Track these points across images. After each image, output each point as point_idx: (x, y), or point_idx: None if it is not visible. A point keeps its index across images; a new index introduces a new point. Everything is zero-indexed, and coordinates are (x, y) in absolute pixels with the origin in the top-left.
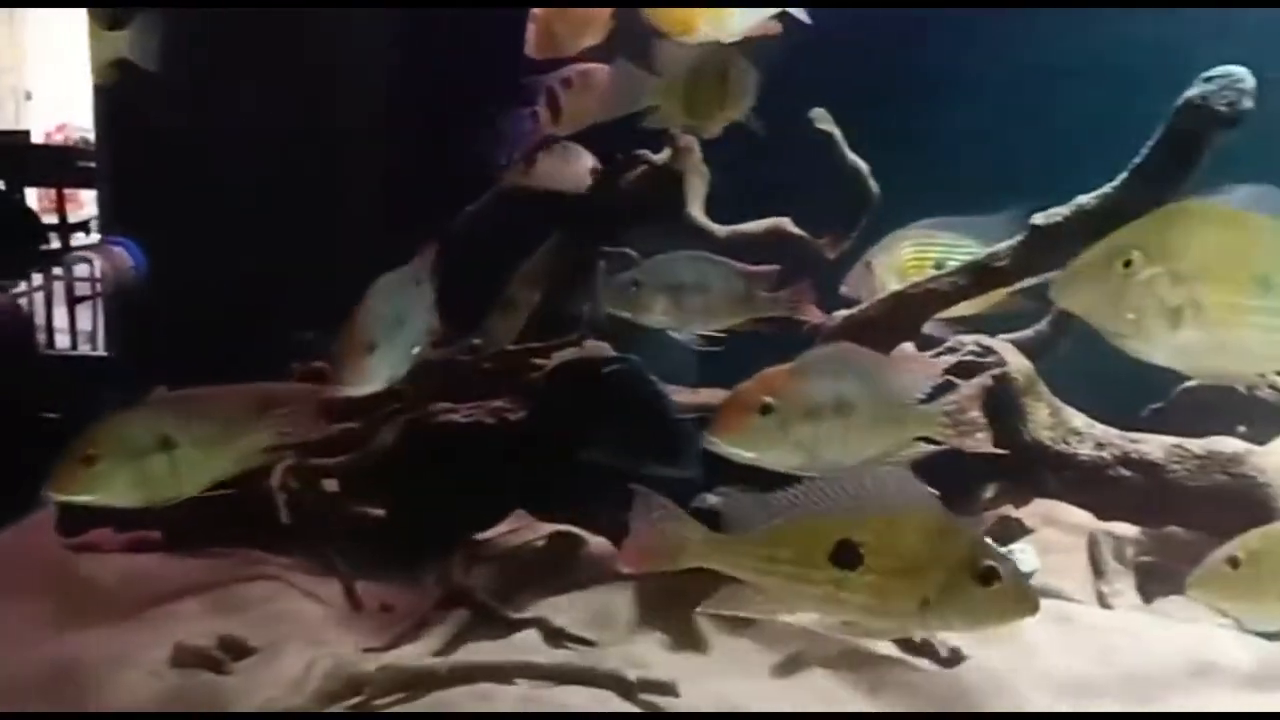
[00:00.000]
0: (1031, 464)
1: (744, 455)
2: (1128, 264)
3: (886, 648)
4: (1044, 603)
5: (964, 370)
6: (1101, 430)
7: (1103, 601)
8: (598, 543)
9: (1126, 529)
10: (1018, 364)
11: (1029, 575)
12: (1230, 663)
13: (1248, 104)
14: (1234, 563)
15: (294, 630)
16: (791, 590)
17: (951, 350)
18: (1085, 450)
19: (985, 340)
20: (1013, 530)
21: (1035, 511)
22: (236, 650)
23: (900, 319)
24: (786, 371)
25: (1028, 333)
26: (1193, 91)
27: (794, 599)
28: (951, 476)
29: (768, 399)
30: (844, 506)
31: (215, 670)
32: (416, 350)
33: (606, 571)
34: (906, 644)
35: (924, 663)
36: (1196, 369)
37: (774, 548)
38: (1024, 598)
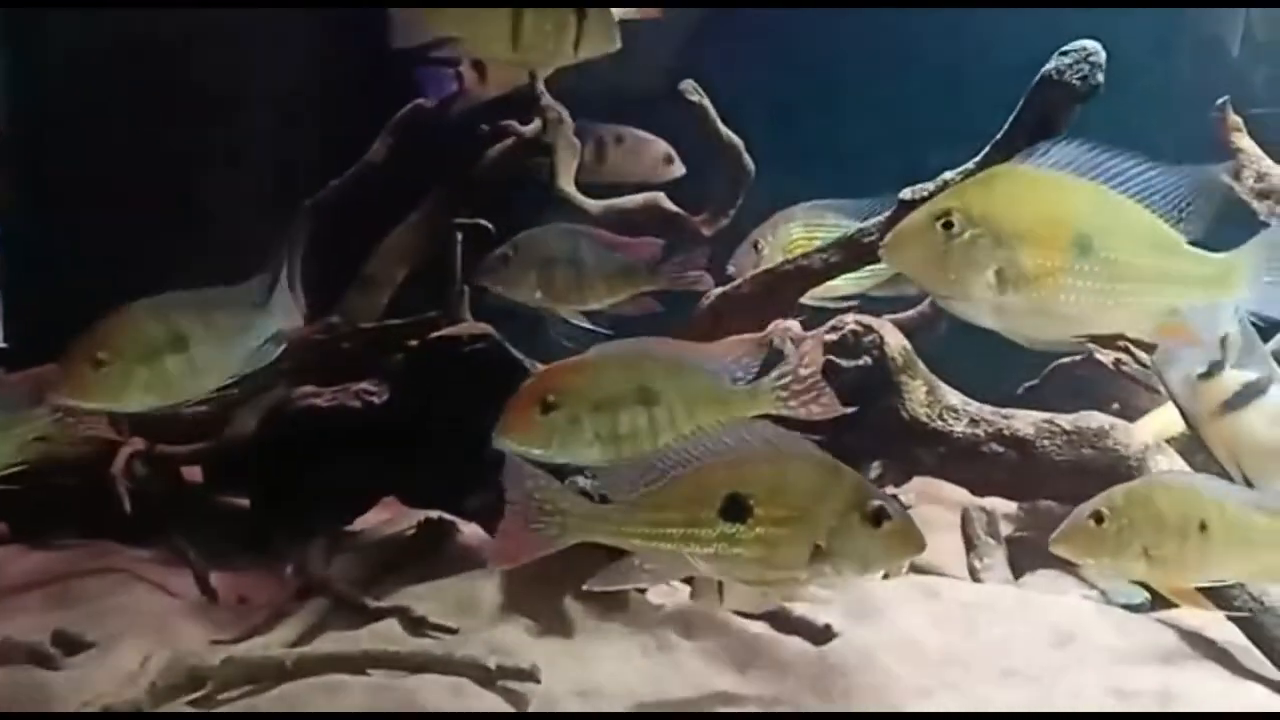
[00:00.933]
0: (908, 441)
1: (534, 453)
2: (949, 225)
3: (758, 627)
4: (915, 579)
5: (844, 348)
6: (976, 408)
7: (974, 576)
8: (470, 529)
9: (1003, 504)
10: (895, 342)
11: None
12: (1092, 634)
13: (1099, 77)
14: (1098, 518)
15: (136, 623)
16: (682, 553)
17: (835, 329)
18: (960, 427)
19: (866, 319)
20: None
21: (918, 489)
22: (70, 645)
23: (773, 295)
24: (572, 366)
25: (910, 313)
26: (1049, 66)
27: (684, 562)
28: (834, 455)
29: (550, 396)
30: (728, 461)
31: (46, 666)
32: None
33: (476, 558)
34: (779, 622)
35: (795, 641)
36: (1017, 331)
37: (660, 511)
38: (912, 536)
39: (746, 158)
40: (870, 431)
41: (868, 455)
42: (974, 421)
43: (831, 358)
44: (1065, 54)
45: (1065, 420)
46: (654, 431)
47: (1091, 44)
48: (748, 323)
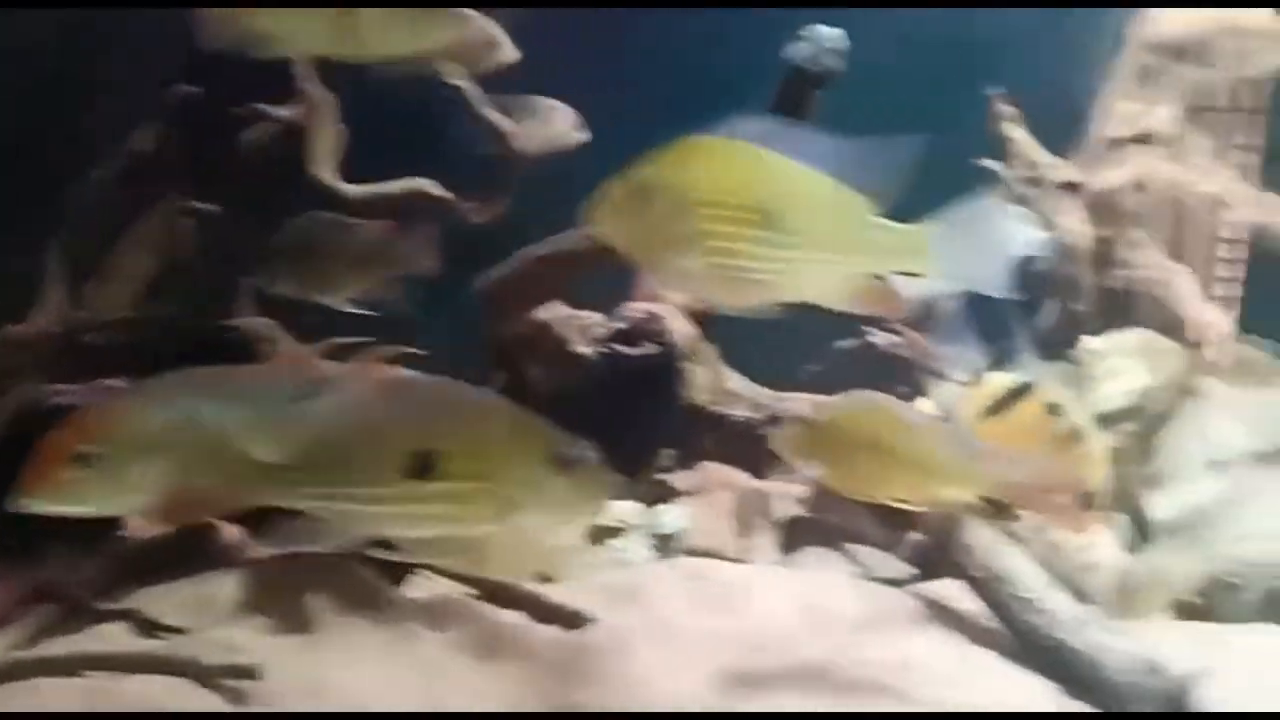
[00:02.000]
0: (691, 427)
1: (69, 511)
2: (645, 195)
3: (511, 616)
4: (678, 561)
5: (630, 336)
6: (755, 391)
7: (742, 557)
8: (229, 530)
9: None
10: (682, 329)
11: (674, 536)
12: (844, 609)
13: (832, 63)
14: (812, 424)
15: None
16: (365, 513)
17: (622, 317)
18: (739, 411)
19: (652, 306)
20: (660, 492)
21: (706, 475)
22: None
23: (543, 281)
24: (104, 411)
25: None
26: (787, 51)
27: (368, 521)
28: (623, 442)
29: (83, 448)
30: (409, 417)
31: None
32: None
33: (237, 558)
34: (535, 610)
35: (549, 629)
36: (713, 299)
37: (341, 470)
38: (602, 482)
39: (520, 144)
40: (654, 418)
41: (652, 442)
42: (754, 405)
43: (616, 346)
44: (801, 39)
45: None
46: (201, 468)
47: (828, 30)
48: (518, 308)
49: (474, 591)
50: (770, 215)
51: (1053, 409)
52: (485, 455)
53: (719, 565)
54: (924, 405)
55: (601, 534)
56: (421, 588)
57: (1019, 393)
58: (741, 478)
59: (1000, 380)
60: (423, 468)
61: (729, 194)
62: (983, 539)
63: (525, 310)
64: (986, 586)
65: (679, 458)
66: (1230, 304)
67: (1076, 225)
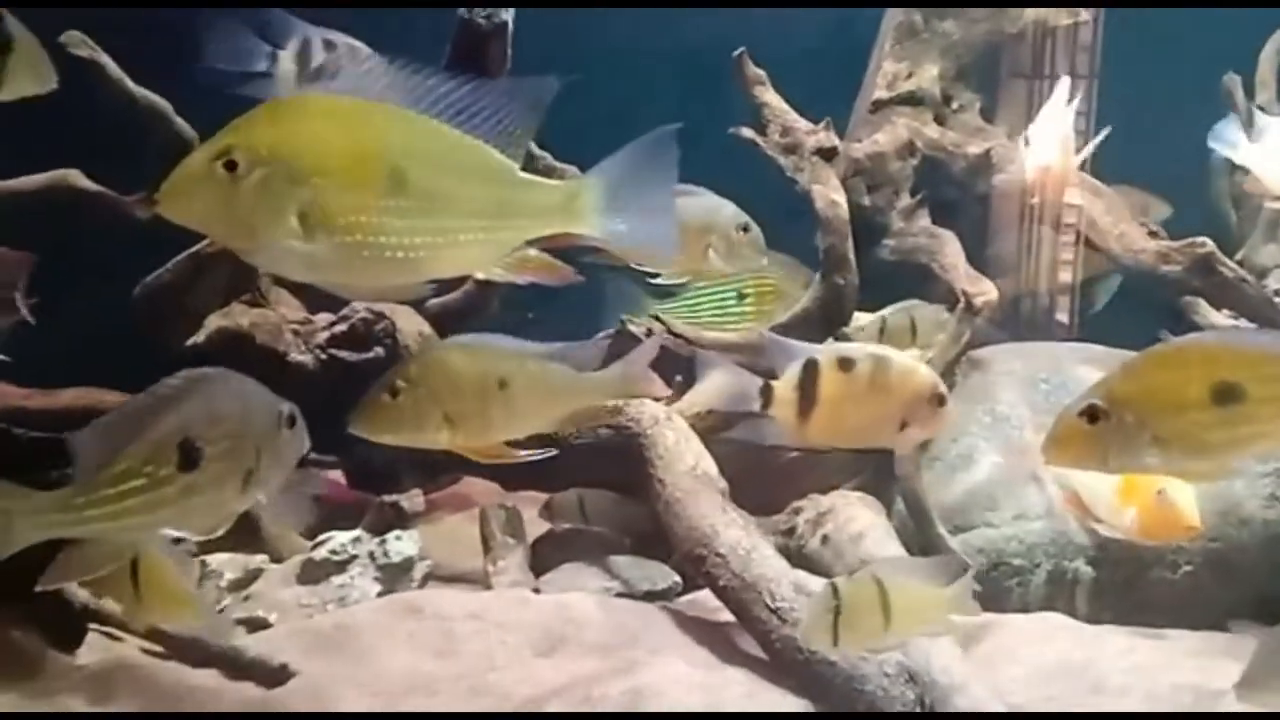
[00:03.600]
0: None
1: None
2: (232, 166)
3: (204, 675)
4: (402, 597)
5: (354, 339)
6: None
7: (486, 581)
8: None
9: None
10: (411, 329)
11: (406, 565)
12: (584, 635)
13: (503, 16)
14: (393, 391)
15: None
16: (145, 521)
17: (344, 319)
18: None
19: (378, 307)
20: (389, 518)
21: (461, 491)
22: None
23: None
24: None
25: (456, 295)
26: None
27: (147, 526)
28: (350, 459)
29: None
30: (173, 409)
31: None
32: None
33: None
34: (231, 667)
35: (245, 687)
36: (337, 283)
37: (122, 482)
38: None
39: (180, 123)
40: None
41: (385, 458)
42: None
43: (335, 352)
44: None
45: None
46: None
47: None
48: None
49: (159, 649)
50: (399, 180)
51: None
52: (232, 432)
53: (451, 597)
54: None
55: (320, 570)
56: (99, 650)
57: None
58: (492, 492)
59: None
60: (191, 457)
61: (344, 157)
62: (739, 545)
63: (193, 315)
64: (737, 597)
65: (417, 475)
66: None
67: (833, 194)
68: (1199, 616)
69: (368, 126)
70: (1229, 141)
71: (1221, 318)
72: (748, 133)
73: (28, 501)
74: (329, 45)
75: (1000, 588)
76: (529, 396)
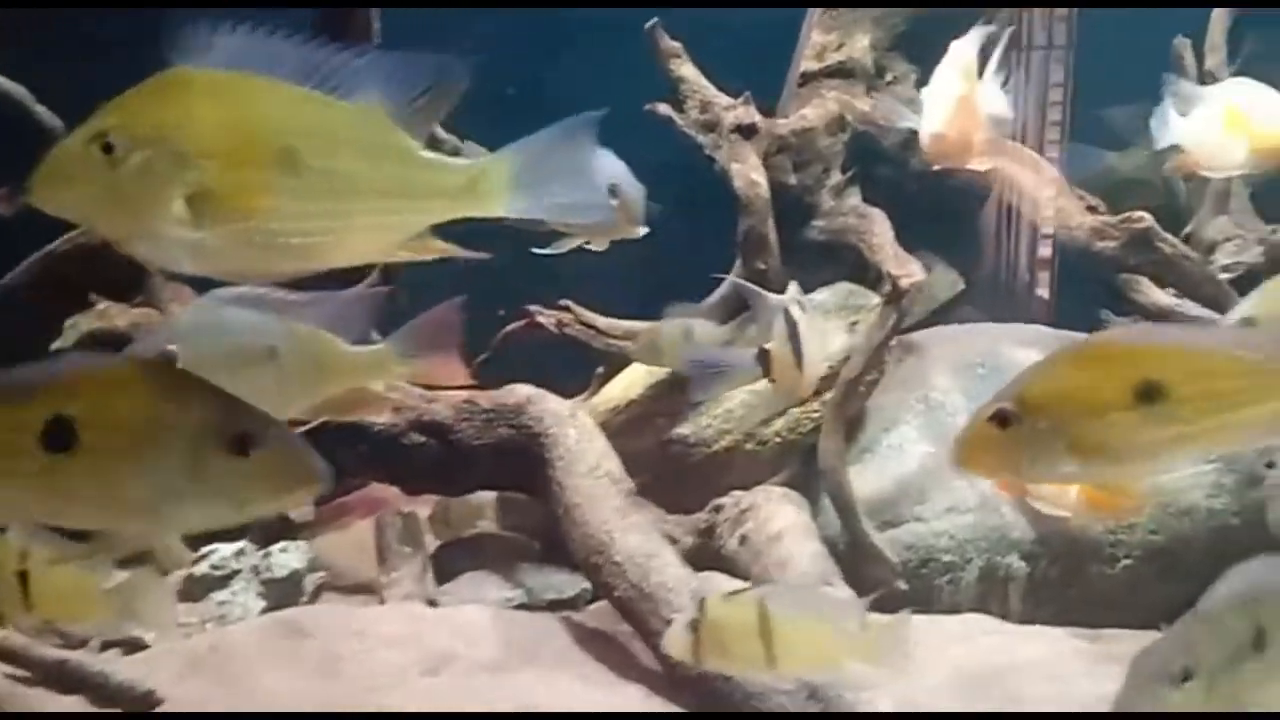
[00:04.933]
0: (323, 443)
1: None
2: (109, 149)
3: (70, 701)
4: (285, 614)
5: None
6: (400, 393)
7: (380, 595)
8: None
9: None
10: None
11: (294, 580)
12: (475, 645)
13: None
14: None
15: None
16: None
17: None
18: (382, 418)
19: None
20: (278, 528)
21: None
22: None
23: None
24: None
25: (357, 289)
26: None
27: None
28: None
29: None
30: (52, 378)
31: None
32: None
33: None
34: (96, 694)
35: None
36: (230, 272)
37: None
38: (294, 466)
39: (41, 111)
40: None
41: None
42: (396, 409)
43: None
44: None
45: (485, 399)
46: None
47: None
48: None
49: (26, 674)
50: (292, 160)
51: None
52: (138, 428)
53: (337, 614)
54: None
55: (201, 585)
56: None
57: None
58: (390, 498)
59: None
60: (61, 436)
61: (232, 136)
62: (637, 552)
63: (59, 313)
64: (634, 607)
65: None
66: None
67: (752, 174)
68: (1140, 612)
69: (257, 103)
70: (1162, 122)
71: (1164, 296)
72: (664, 109)
73: None
74: None
75: (931, 586)
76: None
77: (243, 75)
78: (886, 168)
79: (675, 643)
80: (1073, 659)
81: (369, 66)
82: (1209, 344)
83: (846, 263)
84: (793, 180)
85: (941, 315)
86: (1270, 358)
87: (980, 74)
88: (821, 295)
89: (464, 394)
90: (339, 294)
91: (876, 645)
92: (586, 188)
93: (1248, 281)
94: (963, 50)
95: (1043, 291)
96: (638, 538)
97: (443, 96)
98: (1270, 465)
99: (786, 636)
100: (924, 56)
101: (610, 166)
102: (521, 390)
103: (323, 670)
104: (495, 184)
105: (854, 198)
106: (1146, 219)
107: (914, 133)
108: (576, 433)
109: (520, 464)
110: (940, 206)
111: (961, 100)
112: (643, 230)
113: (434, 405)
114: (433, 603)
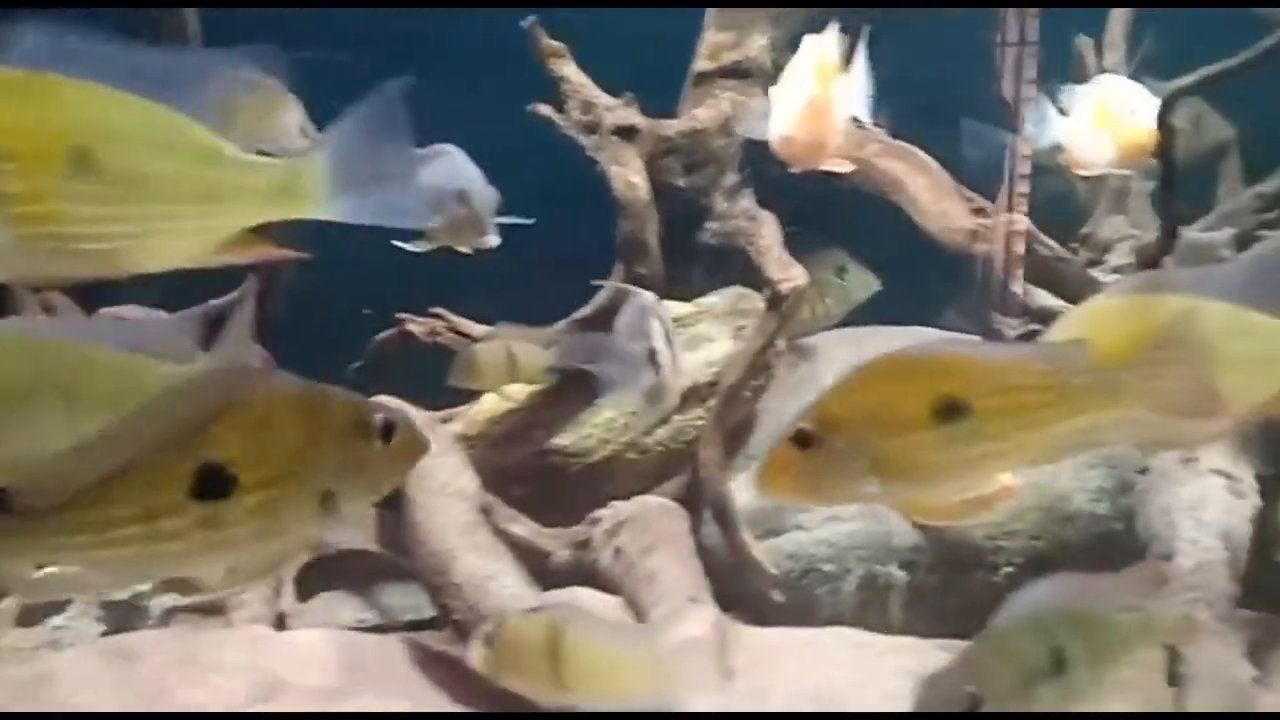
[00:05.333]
0: None
1: None
2: None
3: None
4: (109, 641)
5: None
6: None
7: (225, 612)
8: None
9: None
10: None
11: (135, 603)
12: (310, 671)
13: None
14: None
15: None
16: (148, 554)
17: None
18: None
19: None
20: None
21: None
22: None
23: None
24: None
25: (220, 301)
26: None
27: (152, 562)
28: None
29: None
30: (185, 431)
31: None
32: None
33: None
34: None
35: None
36: (18, 277)
37: (106, 508)
38: (420, 436)
39: None
40: None
41: None
42: None
43: None
44: None
45: None
46: None
47: None
48: None
49: None
50: (87, 159)
51: None
52: (292, 451)
53: (170, 639)
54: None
55: (37, 609)
56: None
57: None
58: None
59: None
60: (216, 485)
61: (21, 137)
62: (475, 573)
63: None
64: (471, 630)
65: None
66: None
67: (631, 176)
68: None
69: (50, 102)
70: (1040, 120)
71: (1052, 299)
72: (544, 109)
73: None
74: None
75: (811, 596)
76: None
77: (36, 74)
78: (777, 167)
79: (475, 656)
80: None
81: (180, 65)
82: (1013, 358)
83: (738, 266)
84: (682, 183)
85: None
86: (1074, 371)
87: (846, 71)
88: (711, 299)
89: None
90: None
91: (673, 672)
92: (404, 191)
93: None
94: (815, 48)
95: (1017, 288)
96: (478, 558)
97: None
98: (1143, 471)
99: (575, 660)
100: None
101: (462, 171)
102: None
103: (146, 698)
104: (310, 184)
105: (747, 200)
106: (1024, 221)
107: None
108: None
109: None
110: (839, 207)
111: (812, 100)
112: (493, 240)
113: None
114: (282, 625)
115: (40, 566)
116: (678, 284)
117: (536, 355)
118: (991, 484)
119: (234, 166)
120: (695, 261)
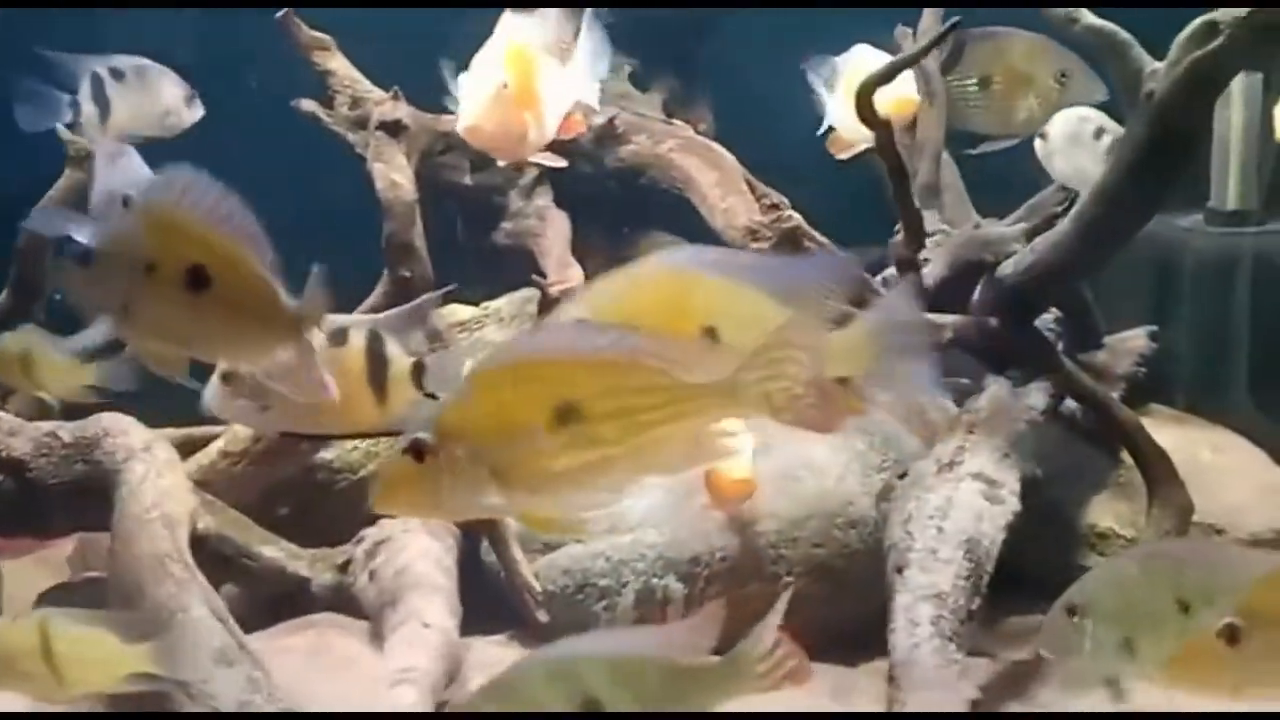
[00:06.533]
0: None
1: None
2: None
3: None
4: None
5: None
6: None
7: None
8: None
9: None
10: None
11: None
12: None
13: None
14: None
15: None
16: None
17: None
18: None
19: None
20: None
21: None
22: None
23: None
24: None
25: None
26: None
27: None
28: None
29: None
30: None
31: None
32: None
33: None
34: None
35: None
36: None
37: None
38: None
39: None
40: None
41: None
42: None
43: None
44: None
45: (68, 430)
46: None
47: None
48: None
49: None
50: None
51: None
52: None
53: None
54: None
55: None
56: None
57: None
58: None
59: None
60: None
61: None
62: (168, 603)
63: None
64: None
65: None
66: None
67: (394, 175)
68: (806, 633)
69: None
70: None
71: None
72: (309, 105)
73: None
74: (116, 74)
75: (588, 612)
76: None
77: None
78: (586, 164)
79: None
80: None
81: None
82: (626, 356)
83: (529, 267)
84: (469, 180)
85: None
86: (685, 371)
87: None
88: (499, 303)
89: (48, 425)
90: None
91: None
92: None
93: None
94: (510, 31)
95: None
96: (170, 589)
97: None
98: (902, 476)
99: (67, 654)
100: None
101: (135, 173)
102: (105, 420)
103: None
104: None
105: (543, 198)
106: (795, 218)
107: (611, 123)
108: (143, 468)
109: (98, 504)
110: (646, 203)
111: (501, 89)
112: None
113: (15, 439)
114: None
115: None
116: (472, 285)
117: (61, 364)
118: (623, 493)
119: None
120: (489, 262)
